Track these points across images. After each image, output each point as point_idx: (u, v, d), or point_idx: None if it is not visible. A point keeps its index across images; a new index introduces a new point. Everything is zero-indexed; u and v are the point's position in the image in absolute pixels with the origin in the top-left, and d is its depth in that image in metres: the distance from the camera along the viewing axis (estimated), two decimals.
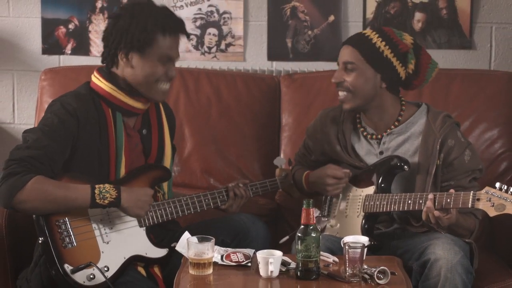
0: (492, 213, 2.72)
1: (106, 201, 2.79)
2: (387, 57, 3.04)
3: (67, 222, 2.82)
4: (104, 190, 2.80)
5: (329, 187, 3.13)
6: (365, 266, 2.66)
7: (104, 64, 3.00)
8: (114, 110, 2.96)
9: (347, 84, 3.07)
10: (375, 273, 2.62)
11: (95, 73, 3.00)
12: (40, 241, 2.81)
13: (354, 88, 3.07)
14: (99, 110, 2.93)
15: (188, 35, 3.02)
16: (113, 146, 2.94)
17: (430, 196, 2.85)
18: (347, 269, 2.64)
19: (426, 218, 2.88)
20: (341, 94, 3.10)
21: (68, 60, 4.09)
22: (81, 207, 2.81)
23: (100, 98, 2.95)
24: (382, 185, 3.05)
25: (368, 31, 3.11)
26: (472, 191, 2.79)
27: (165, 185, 3.10)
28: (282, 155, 3.68)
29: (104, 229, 2.88)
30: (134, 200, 2.87)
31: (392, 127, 3.11)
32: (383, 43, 3.04)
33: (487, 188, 2.75)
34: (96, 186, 2.81)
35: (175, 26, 2.95)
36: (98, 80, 2.97)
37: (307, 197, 3.00)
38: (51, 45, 4.09)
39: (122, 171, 2.97)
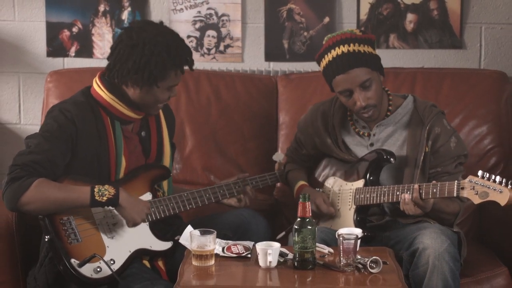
0: (476, 200, 2.78)
1: (105, 198, 2.84)
2: (373, 53, 3.08)
3: (71, 220, 2.88)
4: (103, 189, 2.85)
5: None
6: (359, 256, 2.70)
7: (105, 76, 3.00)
8: (112, 118, 3.00)
9: (373, 101, 3.07)
10: (368, 262, 2.66)
11: (97, 80, 3.02)
12: (46, 239, 2.86)
13: (378, 100, 3.09)
14: (97, 117, 2.97)
15: (192, 68, 3.03)
16: (113, 151, 2.98)
17: (416, 186, 2.90)
18: (342, 259, 2.68)
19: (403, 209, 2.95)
20: (370, 113, 3.08)
21: (72, 62, 4.09)
22: (82, 207, 2.86)
23: (100, 106, 2.99)
24: (371, 178, 3.09)
25: (343, 48, 3.05)
26: (456, 181, 2.83)
27: (165, 183, 3.14)
28: (280, 152, 3.68)
29: (108, 225, 2.93)
30: (132, 203, 2.92)
31: (382, 119, 3.15)
32: (364, 46, 3.05)
33: (470, 177, 2.80)
34: (96, 186, 2.85)
35: (187, 62, 2.98)
36: (99, 89, 3.00)
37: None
38: (55, 48, 4.10)
39: (121, 174, 3.01)
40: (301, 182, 3.29)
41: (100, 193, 2.84)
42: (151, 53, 2.90)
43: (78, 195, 2.85)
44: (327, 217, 3.18)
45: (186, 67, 3.00)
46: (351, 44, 3.04)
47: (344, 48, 3.04)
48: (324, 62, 3.11)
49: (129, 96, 2.99)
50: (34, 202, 2.81)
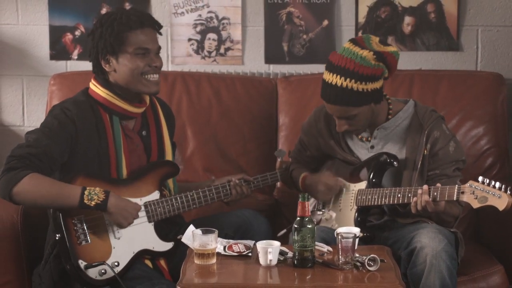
0: (475, 205, 2.80)
1: (93, 203, 2.85)
2: (369, 90, 3.00)
3: (83, 220, 2.92)
4: (93, 192, 2.86)
5: (320, 193, 3.20)
6: (357, 255, 2.73)
7: (97, 75, 3.08)
8: (111, 114, 3.04)
9: (353, 127, 3.10)
10: (366, 260, 2.70)
11: (92, 80, 3.09)
12: (57, 238, 2.89)
13: (362, 124, 3.10)
14: (97, 115, 3.02)
15: (158, 28, 3.06)
16: (113, 148, 3.02)
17: (425, 187, 2.92)
18: (340, 257, 2.71)
19: (415, 209, 2.95)
20: (351, 133, 3.16)
21: (75, 65, 4.10)
22: (70, 206, 2.87)
23: (98, 104, 3.03)
24: (373, 180, 3.12)
25: (336, 79, 2.97)
26: (457, 185, 2.86)
27: (170, 183, 3.17)
28: (281, 148, 3.69)
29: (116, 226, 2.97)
30: (121, 208, 2.92)
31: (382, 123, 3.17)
32: (361, 84, 2.97)
33: (470, 182, 2.83)
34: (87, 187, 2.87)
35: (141, 20, 3.01)
36: (95, 87, 3.05)
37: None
38: (58, 51, 4.12)
39: (124, 171, 3.04)
40: (304, 173, 3.31)
41: (90, 197, 2.86)
42: (101, 26, 3.01)
43: (68, 194, 2.86)
44: (337, 192, 3.20)
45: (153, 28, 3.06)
46: (347, 79, 2.97)
47: (339, 80, 2.98)
48: (324, 73, 3.07)
49: (117, 84, 3.03)
50: (25, 193, 2.84)
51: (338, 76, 3.00)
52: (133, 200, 3.01)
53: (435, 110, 3.20)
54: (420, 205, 2.93)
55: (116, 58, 3.01)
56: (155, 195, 3.08)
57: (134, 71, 3.01)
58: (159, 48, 3.08)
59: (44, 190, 2.86)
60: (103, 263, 2.87)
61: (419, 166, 3.08)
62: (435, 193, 2.91)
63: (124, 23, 2.99)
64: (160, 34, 3.11)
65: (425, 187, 2.93)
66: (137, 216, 2.99)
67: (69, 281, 2.96)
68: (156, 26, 3.08)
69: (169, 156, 3.19)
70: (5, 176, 2.85)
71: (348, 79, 2.98)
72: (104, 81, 3.06)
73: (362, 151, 3.22)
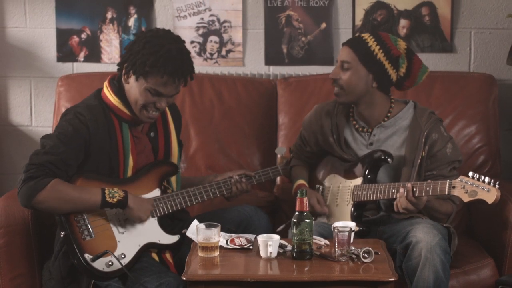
0: (466, 199, 2.87)
1: (115, 200, 2.94)
2: (379, 59, 3.15)
3: (85, 217, 2.98)
4: (113, 191, 2.95)
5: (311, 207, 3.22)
6: (352, 248, 2.80)
7: (115, 79, 3.11)
8: (120, 121, 3.09)
9: (341, 82, 3.18)
10: (361, 253, 2.77)
11: (106, 84, 3.11)
12: (62, 235, 2.96)
13: (347, 85, 3.18)
14: (108, 119, 3.06)
15: (190, 79, 3.04)
16: (122, 150, 3.07)
17: (408, 185, 2.98)
18: (337, 250, 2.79)
19: (396, 209, 3.03)
20: (336, 89, 3.22)
21: (81, 67, 4.14)
22: (93, 207, 2.95)
23: (109, 109, 3.08)
24: (369, 176, 3.17)
25: (366, 35, 3.20)
26: (448, 180, 2.91)
27: (173, 181, 3.22)
28: (281, 146, 3.76)
29: (119, 221, 3.02)
30: (139, 203, 3.01)
31: (382, 122, 3.24)
32: (378, 46, 3.15)
33: (461, 177, 2.89)
34: (106, 188, 2.95)
35: (176, 71, 2.98)
36: (108, 93, 3.09)
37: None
38: (65, 53, 4.15)
39: (129, 173, 3.10)
40: (300, 181, 3.36)
41: (111, 195, 2.94)
42: (146, 43, 2.98)
43: (90, 196, 2.95)
44: (321, 215, 3.27)
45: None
46: (372, 37, 3.18)
47: (366, 35, 3.20)
48: None
49: (128, 98, 3.08)
50: (49, 201, 2.90)
51: (369, 35, 3.22)
52: None
53: (433, 112, 3.25)
54: (401, 208, 3.01)
55: (136, 78, 3.03)
56: (156, 192, 3.14)
57: (138, 101, 3.04)
58: (176, 93, 3.07)
59: (66, 196, 2.92)
60: (107, 251, 2.93)
61: (417, 165, 3.13)
62: (427, 188, 2.96)
63: (160, 64, 2.95)
64: (185, 84, 3.06)
65: (409, 184, 2.99)
66: (153, 209, 3.05)
67: (76, 277, 3.02)
68: (189, 78, 3.05)
69: (175, 156, 3.24)
70: (26, 185, 2.89)
71: (372, 38, 3.19)
72: (118, 89, 3.09)
73: (361, 148, 3.27)
